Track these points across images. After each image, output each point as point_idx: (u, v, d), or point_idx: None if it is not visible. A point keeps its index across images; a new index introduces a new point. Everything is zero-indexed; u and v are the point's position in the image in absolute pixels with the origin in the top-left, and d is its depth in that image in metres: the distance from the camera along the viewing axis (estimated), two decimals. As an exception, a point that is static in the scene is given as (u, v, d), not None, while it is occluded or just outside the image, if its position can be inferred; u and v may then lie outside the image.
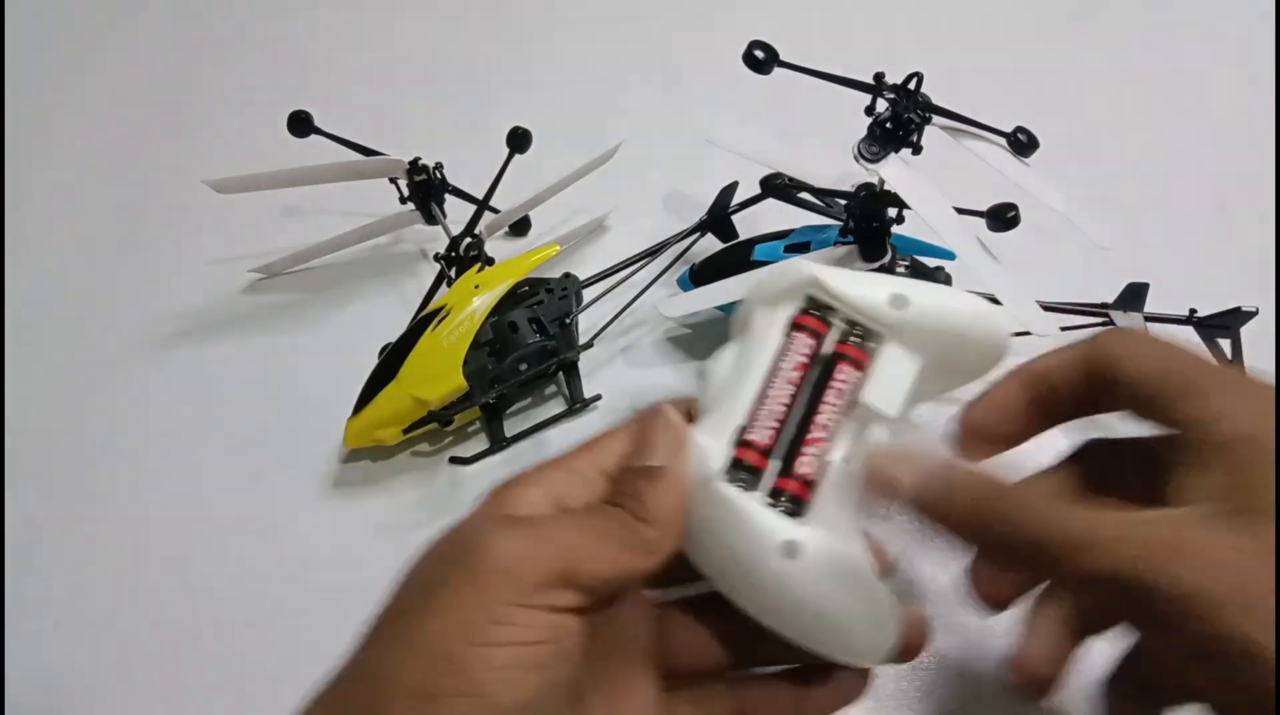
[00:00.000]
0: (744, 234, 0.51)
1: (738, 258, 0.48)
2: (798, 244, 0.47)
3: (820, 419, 0.29)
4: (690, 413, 0.30)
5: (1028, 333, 0.40)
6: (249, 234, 0.57)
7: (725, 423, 0.29)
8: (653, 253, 0.51)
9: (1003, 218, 0.36)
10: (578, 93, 0.65)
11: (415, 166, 0.49)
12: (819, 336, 0.30)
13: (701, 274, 0.49)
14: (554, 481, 0.28)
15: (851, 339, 0.30)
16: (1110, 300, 0.47)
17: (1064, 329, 0.45)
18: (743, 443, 0.28)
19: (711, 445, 0.28)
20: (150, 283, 0.56)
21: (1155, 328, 0.46)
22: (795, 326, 0.30)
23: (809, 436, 0.28)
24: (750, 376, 0.29)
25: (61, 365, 0.53)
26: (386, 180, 0.50)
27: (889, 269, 0.44)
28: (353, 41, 0.71)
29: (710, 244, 0.52)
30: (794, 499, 0.28)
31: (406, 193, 0.50)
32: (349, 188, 0.51)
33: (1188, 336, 0.46)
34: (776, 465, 0.28)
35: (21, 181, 0.63)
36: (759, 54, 0.37)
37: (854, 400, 0.29)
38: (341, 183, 0.51)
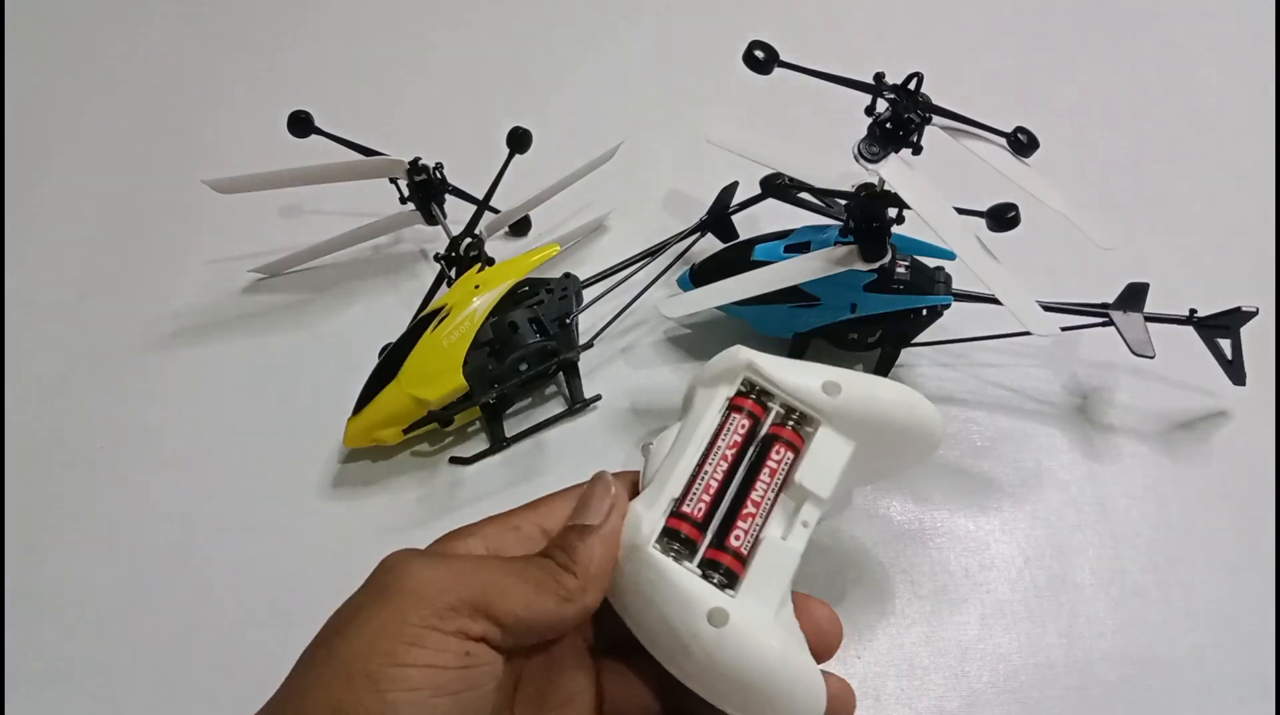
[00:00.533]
0: (744, 234, 0.51)
1: (738, 258, 0.48)
2: (798, 244, 0.47)
3: (754, 496, 0.30)
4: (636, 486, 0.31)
5: (1028, 333, 0.40)
6: (249, 234, 0.57)
7: (661, 495, 0.30)
8: (653, 253, 0.51)
9: (1002, 218, 0.36)
10: (578, 93, 0.65)
11: (415, 166, 0.49)
12: (756, 418, 0.31)
13: (702, 274, 0.49)
14: (493, 535, 0.30)
15: (789, 423, 0.31)
16: (1110, 300, 0.47)
17: (1065, 329, 0.45)
18: (676, 514, 0.29)
19: (646, 514, 0.29)
20: (150, 283, 0.56)
21: (1155, 328, 0.46)
22: (733, 407, 0.31)
23: (743, 512, 0.30)
24: (687, 452, 0.31)
25: (61, 365, 0.53)
26: (387, 180, 0.50)
27: (890, 269, 0.44)
28: (353, 41, 0.71)
29: (710, 244, 0.52)
30: (728, 572, 0.29)
31: (406, 193, 0.50)
32: (349, 188, 0.51)
33: (1188, 336, 0.46)
34: (710, 541, 0.29)
35: (22, 181, 0.63)
36: (759, 54, 0.37)
37: (788, 480, 0.30)
38: (342, 183, 0.51)
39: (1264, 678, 0.40)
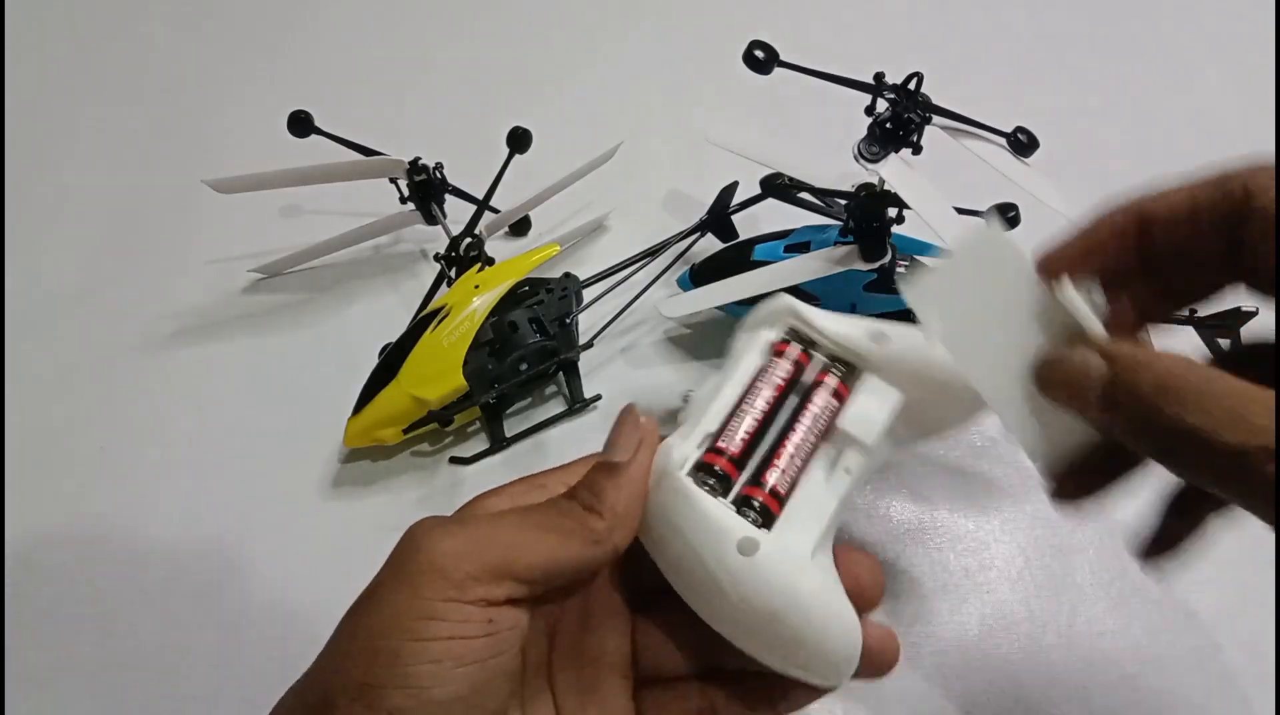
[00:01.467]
0: (744, 234, 0.51)
1: (738, 258, 0.48)
2: (798, 244, 0.47)
3: (794, 438, 0.29)
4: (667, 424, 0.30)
5: None
6: (249, 234, 0.57)
7: (696, 429, 0.29)
8: (653, 253, 0.51)
9: (1003, 218, 0.36)
10: (578, 92, 0.65)
11: (415, 166, 0.49)
12: (799, 366, 0.30)
13: (701, 274, 0.49)
14: (519, 494, 0.29)
15: (833, 372, 0.30)
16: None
17: None
18: (712, 450, 0.28)
19: (680, 446, 0.28)
20: (150, 282, 0.56)
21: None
22: (777, 353, 0.30)
23: (781, 452, 0.28)
24: (725, 391, 0.29)
25: (62, 364, 0.53)
26: (387, 180, 0.50)
27: (889, 269, 0.44)
28: (353, 41, 0.71)
29: (710, 244, 0.52)
30: (763, 509, 0.27)
31: (406, 193, 0.50)
32: (349, 188, 0.51)
33: (1188, 337, 0.46)
34: (746, 478, 0.28)
35: (22, 181, 0.63)
36: (759, 54, 0.37)
37: (831, 428, 0.29)
38: (342, 183, 0.51)
39: (1264, 678, 0.40)
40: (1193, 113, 0.63)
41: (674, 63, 0.67)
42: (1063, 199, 0.40)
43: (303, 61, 0.69)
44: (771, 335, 0.30)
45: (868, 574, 0.29)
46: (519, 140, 0.49)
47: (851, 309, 0.46)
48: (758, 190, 0.48)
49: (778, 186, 0.43)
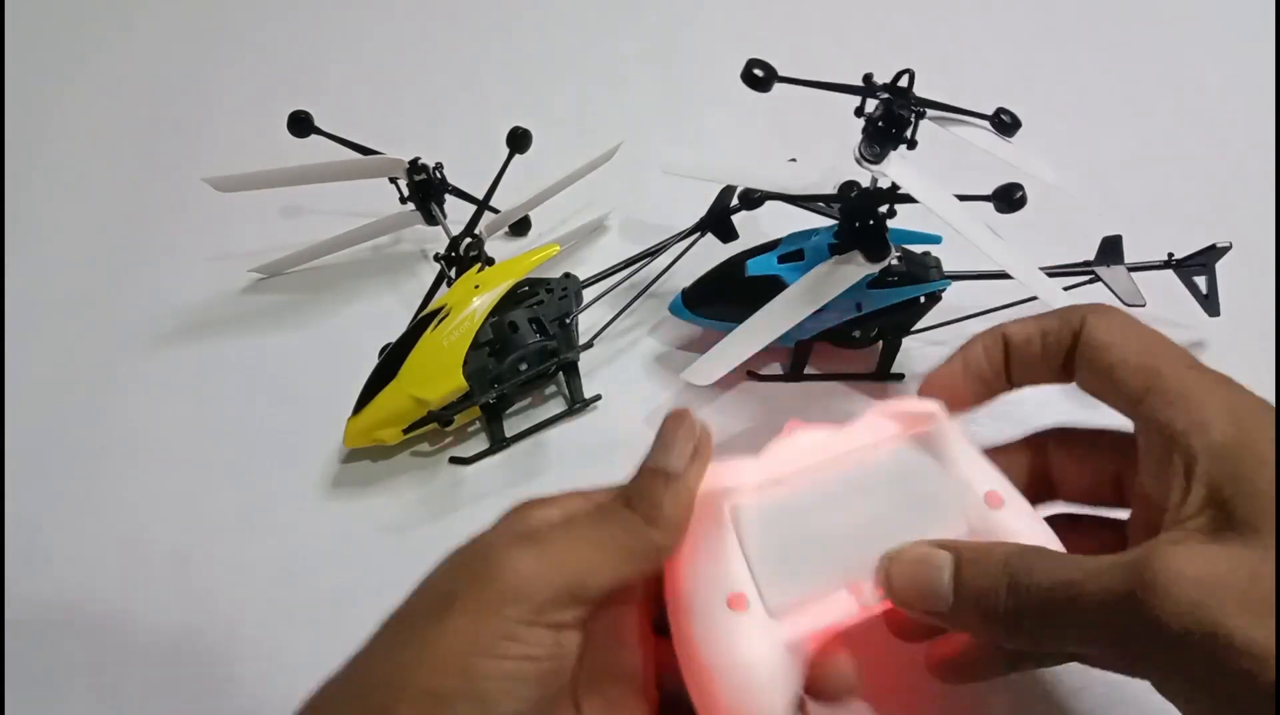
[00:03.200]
0: (745, 235, 0.51)
1: (731, 276, 0.48)
2: (790, 253, 0.47)
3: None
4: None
5: (1017, 303, 0.45)
6: (249, 234, 0.57)
7: (763, 470, 0.30)
8: (653, 253, 0.51)
9: (1010, 199, 0.36)
10: (578, 92, 0.65)
11: (415, 166, 0.49)
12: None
13: (694, 296, 0.49)
14: (571, 505, 0.29)
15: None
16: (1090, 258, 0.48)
17: (1066, 288, 0.47)
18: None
19: (743, 478, 0.29)
20: (150, 282, 0.56)
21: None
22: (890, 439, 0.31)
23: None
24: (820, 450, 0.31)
25: (61, 364, 0.53)
26: (386, 180, 0.50)
27: (889, 266, 0.44)
28: (352, 41, 0.71)
29: (709, 244, 0.52)
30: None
31: (406, 193, 0.50)
32: (349, 188, 0.51)
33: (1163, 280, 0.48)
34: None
35: (22, 180, 0.63)
36: (758, 72, 0.37)
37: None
38: (341, 183, 0.51)
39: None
40: (1193, 113, 0.63)
41: (675, 61, 0.67)
42: (1052, 172, 0.41)
43: (302, 61, 0.69)
44: (895, 429, 0.31)
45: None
46: (519, 140, 0.49)
47: (858, 308, 0.46)
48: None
49: (755, 200, 0.43)
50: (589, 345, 0.49)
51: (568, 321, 0.47)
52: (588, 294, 0.50)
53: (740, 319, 0.43)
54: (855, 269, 0.42)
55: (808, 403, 0.49)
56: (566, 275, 0.50)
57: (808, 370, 0.50)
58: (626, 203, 0.57)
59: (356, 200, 0.54)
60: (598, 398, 0.49)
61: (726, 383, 0.47)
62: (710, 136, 0.63)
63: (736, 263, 0.48)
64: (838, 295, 0.43)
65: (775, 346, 0.48)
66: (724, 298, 0.48)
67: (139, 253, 0.58)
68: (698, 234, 0.51)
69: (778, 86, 0.37)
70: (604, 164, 0.53)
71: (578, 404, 0.49)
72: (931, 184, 0.39)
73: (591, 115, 0.64)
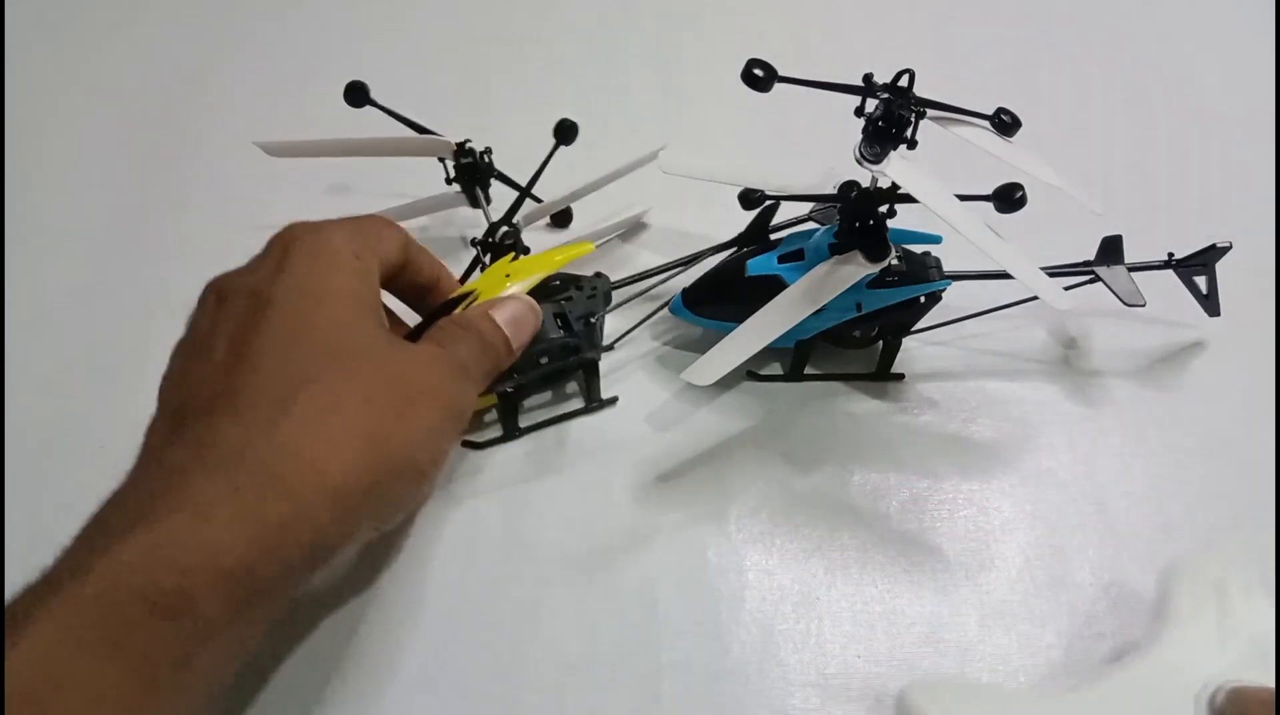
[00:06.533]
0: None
1: (732, 277, 0.48)
2: (790, 253, 0.47)
3: None
4: None
5: (1016, 304, 0.47)
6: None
7: None
8: (686, 262, 0.51)
9: (1010, 199, 0.37)
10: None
11: (463, 149, 0.50)
12: None
13: (694, 296, 0.49)
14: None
15: None
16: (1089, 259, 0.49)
17: (1066, 288, 0.47)
18: None
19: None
20: (151, 279, 0.57)
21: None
22: None
23: None
24: None
25: (61, 363, 0.53)
26: (436, 161, 0.51)
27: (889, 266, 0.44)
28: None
29: None
30: None
31: (453, 173, 0.51)
32: (396, 171, 0.51)
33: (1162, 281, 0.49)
34: None
35: (22, 180, 0.63)
36: (758, 72, 0.37)
37: None
38: (389, 166, 0.52)
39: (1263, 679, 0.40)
40: (1193, 113, 0.64)
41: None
42: (1051, 170, 0.41)
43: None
44: None
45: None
46: (565, 132, 0.49)
47: (858, 308, 0.46)
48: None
49: (757, 200, 0.43)
50: (610, 347, 0.49)
51: (593, 321, 0.48)
52: (617, 296, 0.50)
53: (740, 319, 0.43)
54: (856, 269, 0.43)
55: (808, 403, 0.49)
56: (598, 275, 0.50)
57: (807, 370, 0.50)
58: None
59: (402, 183, 0.55)
60: (615, 399, 0.50)
61: (726, 382, 0.48)
62: (731, 141, 0.63)
63: (736, 263, 0.48)
64: (838, 296, 0.44)
65: (775, 347, 0.48)
66: (724, 298, 0.48)
67: (141, 247, 0.58)
68: (735, 249, 0.51)
69: (781, 86, 0.37)
70: (647, 164, 0.53)
71: (594, 403, 0.49)
72: (932, 183, 0.39)
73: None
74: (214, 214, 0.59)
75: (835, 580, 0.44)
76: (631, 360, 0.52)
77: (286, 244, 0.37)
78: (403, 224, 0.54)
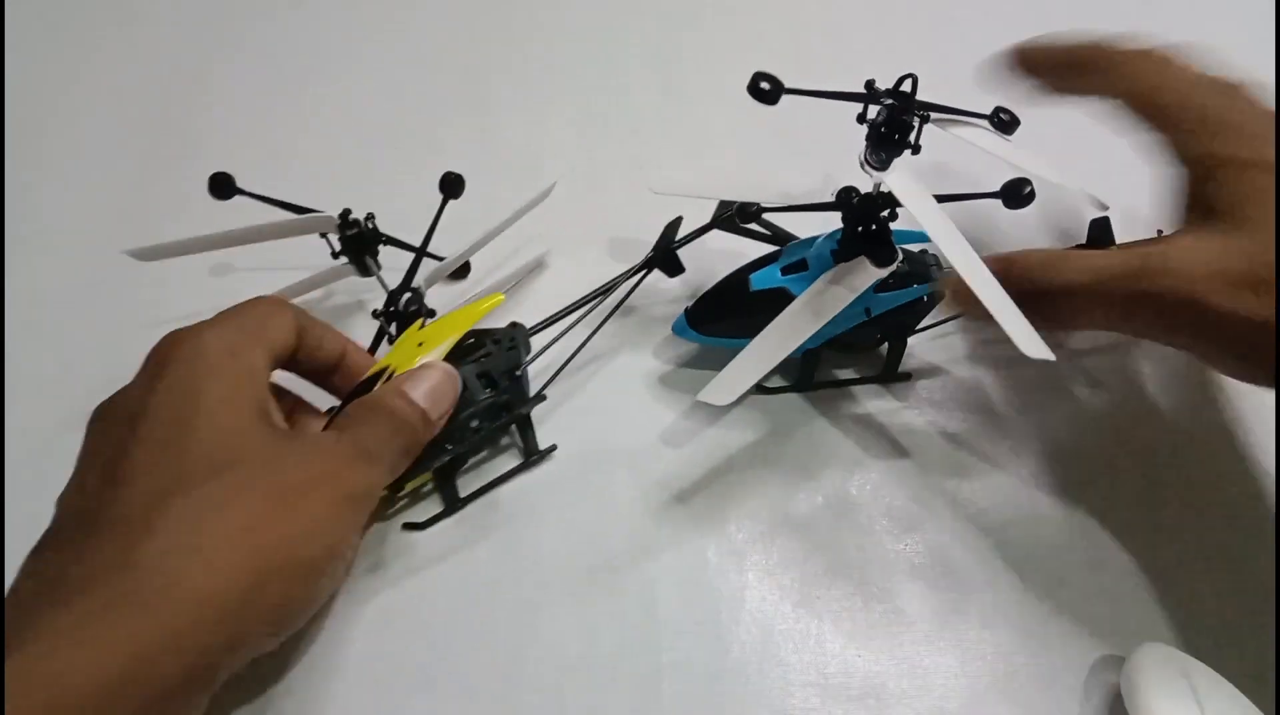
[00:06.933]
0: (749, 251, 0.50)
1: (736, 291, 0.47)
2: (793, 264, 0.46)
3: None
4: None
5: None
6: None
7: None
8: (600, 293, 0.49)
9: (1019, 195, 0.36)
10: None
11: (346, 220, 0.47)
12: None
13: (699, 314, 0.48)
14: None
15: None
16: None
17: None
18: None
19: None
20: (151, 280, 0.56)
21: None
22: None
23: None
24: None
25: (61, 363, 0.51)
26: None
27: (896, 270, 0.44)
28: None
29: (658, 279, 0.51)
30: None
31: (339, 247, 0.48)
32: (279, 244, 0.47)
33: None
34: None
35: (22, 179, 0.62)
36: (765, 85, 0.36)
37: None
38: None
39: (1262, 679, 0.40)
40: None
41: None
42: (1053, 169, 0.41)
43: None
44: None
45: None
46: (452, 186, 0.48)
47: (867, 314, 0.45)
48: (704, 220, 0.47)
49: (753, 214, 0.42)
50: (541, 397, 0.47)
51: (518, 373, 0.46)
52: (536, 341, 0.48)
53: (749, 334, 0.41)
54: (864, 275, 0.42)
55: (806, 406, 0.49)
56: (513, 325, 0.48)
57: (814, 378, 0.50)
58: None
59: (288, 255, 0.50)
60: (553, 448, 0.48)
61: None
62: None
63: (739, 277, 0.47)
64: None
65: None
66: (730, 314, 0.47)
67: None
68: (645, 271, 0.50)
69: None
70: (541, 202, 0.52)
71: (533, 456, 0.47)
72: (930, 203, 0.38)
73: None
74: (214, 214, 0.59)
75: (835, 580, 0.43)
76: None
77: (162, 355, 0.36)
78: (300, 297, 0.51)
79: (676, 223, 0.50)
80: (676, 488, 0.46)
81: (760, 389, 0.50)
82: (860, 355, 0.51)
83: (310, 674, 0.40)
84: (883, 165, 0.38)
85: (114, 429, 0.35)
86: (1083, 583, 0.43)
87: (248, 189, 0.48)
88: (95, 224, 0.59)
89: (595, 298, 0.49)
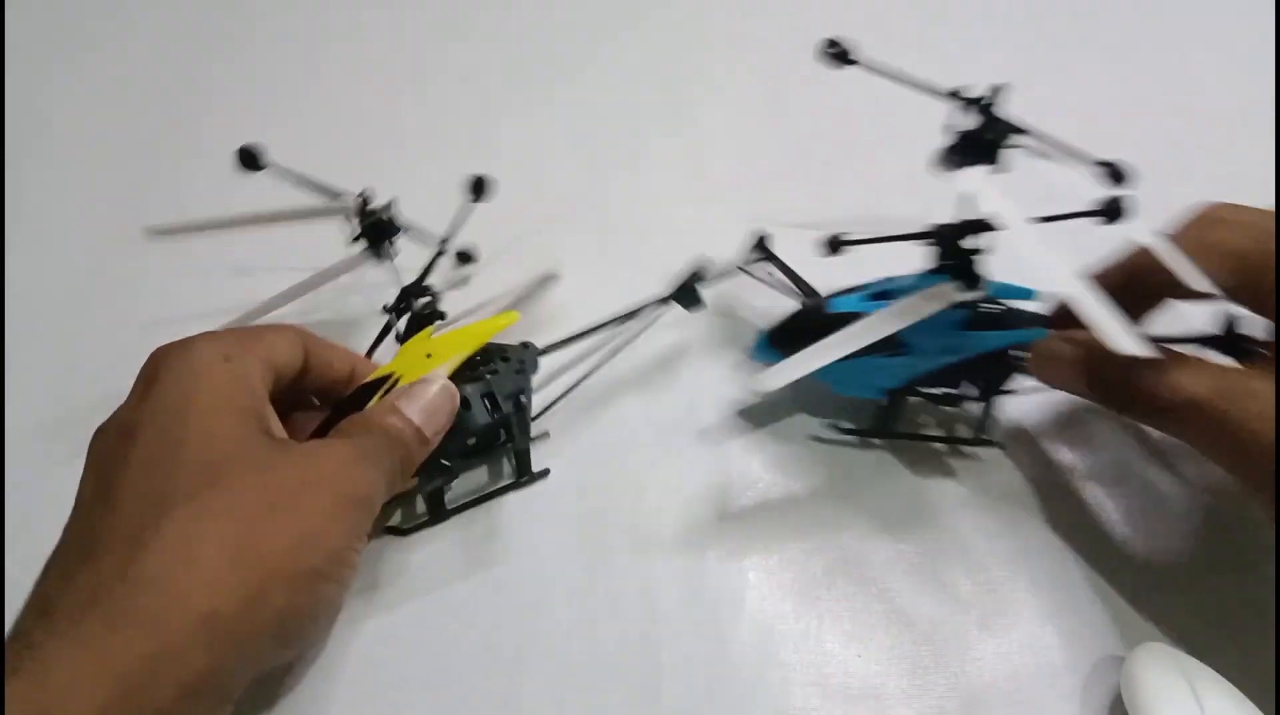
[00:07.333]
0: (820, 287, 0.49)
1: (814, 317, 0.45)
2: (878, 294, 0.45)
3: None
4: None
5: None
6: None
7: None
8: (618, 320, 0.48)
9: (1115, 210, 0.36)
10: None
11: (365, 205, 0.46)
12: None
13: (780, 336, 0.46)
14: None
15: None
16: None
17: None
18: None
19: None
20: (152, 281, 0.56)
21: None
22: None
23: None
24: None
25: (62, 364, 0.52)
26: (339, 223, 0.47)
27: (983, 309, 0.43)
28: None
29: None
30: None
31: (359, 230, 0.47)
32: (286, 248, 0.47)
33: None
34: None
35: (23, 178, 0.62)
36: (833, 49, 0.37)
37: None
38: (294, 238, 0.48)
39: (1264, 680, 0.40)
40: (1193, 113, 0.63)
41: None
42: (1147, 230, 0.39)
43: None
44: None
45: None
46: (479, 187, 0.47)
47: (947, 352, 0.44)
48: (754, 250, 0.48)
49: (844, 244, 0.40)
50: (545, 435, 0.47)
51: (523, 399, 0.44)
52: (546, 361, 0.47)
53: None
54: (948, 291, 0.40)
55: (817, 419, 0.49)
56: (525, 345, 0.47)
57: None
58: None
59: (297, 257, 0.51)
60: (546, 472, 0.47)
61: (786, 435, 0.48)
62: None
63: (815, 305, 0.46)
64: (921, 332, 0.41)
65: (862, 397, 0.46)
66: (809, 336, 0.43)
67: (142, 247, 0.56)
68: (664, 306, 0.49)
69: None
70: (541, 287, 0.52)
71: (525, 477, 0.46)
72: (1008, 204, 0.37)
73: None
74: (214, 214, 0.59)
75: (835, 580, 0.43)
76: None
77: (154, 368, 0.36)
78: (313, 307, 0.51)
79: (703, 271, 0.49)
80: (677, 488, 0.46)
81: (842, 430, 0.48)
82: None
83: (312, 682, 0.40)
84: (956, 167, 0.38)
85: (109, 449, 0.34)
86: (1083, 583, 0.43)
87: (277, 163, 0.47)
88: (95, 224, 0.60)
89: (608, 326, 0.48)
